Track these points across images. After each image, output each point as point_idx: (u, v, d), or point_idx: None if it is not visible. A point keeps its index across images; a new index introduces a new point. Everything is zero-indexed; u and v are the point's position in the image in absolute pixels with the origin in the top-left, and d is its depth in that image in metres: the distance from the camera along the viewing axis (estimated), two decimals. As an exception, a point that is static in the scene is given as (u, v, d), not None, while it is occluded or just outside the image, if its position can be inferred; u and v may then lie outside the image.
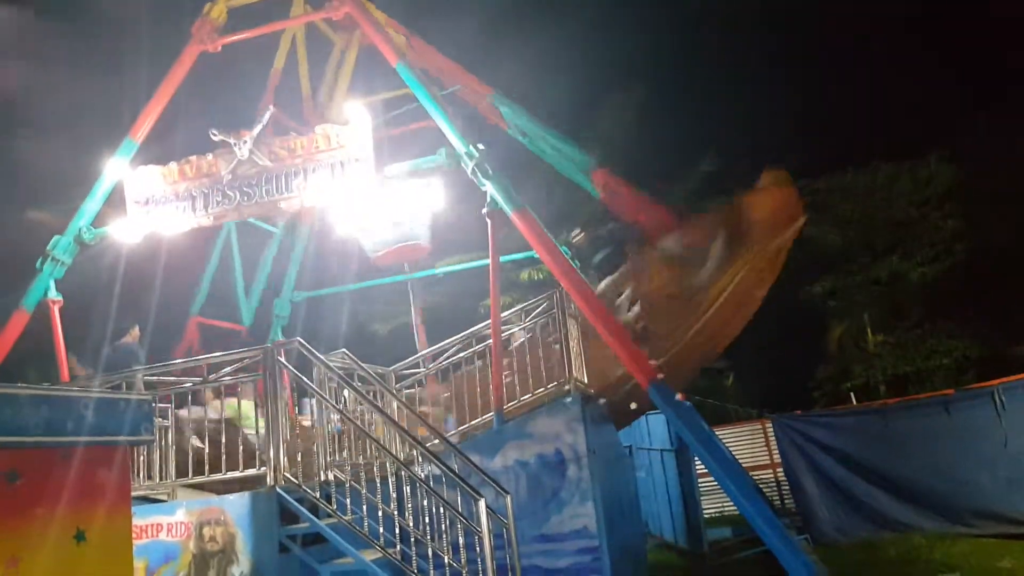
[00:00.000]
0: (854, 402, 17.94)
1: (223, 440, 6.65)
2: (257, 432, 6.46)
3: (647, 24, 25.11)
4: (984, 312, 19.27)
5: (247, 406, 7.97)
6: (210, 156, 9.54)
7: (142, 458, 6.66)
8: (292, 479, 6.09)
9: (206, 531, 5.80)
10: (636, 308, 9.85)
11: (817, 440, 12.32)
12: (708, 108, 24.90)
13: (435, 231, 11.19)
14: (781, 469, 14.53)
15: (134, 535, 4.51)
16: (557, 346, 8.93)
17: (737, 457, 15.60)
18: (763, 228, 8.91)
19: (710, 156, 19.95)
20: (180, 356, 11.40)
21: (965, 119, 20.98)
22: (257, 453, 6.34)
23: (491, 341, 8.76)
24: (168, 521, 5.93)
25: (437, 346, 9.49)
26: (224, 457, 6.42)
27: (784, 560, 6.37)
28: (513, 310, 9.80)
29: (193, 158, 9.65)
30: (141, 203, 9.62)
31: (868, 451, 11.92)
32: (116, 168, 10.15)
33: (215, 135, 9.55)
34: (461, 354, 9.38)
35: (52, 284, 9.96)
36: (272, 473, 6.03)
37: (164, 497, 6.53)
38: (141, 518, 5.86)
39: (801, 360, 23.01)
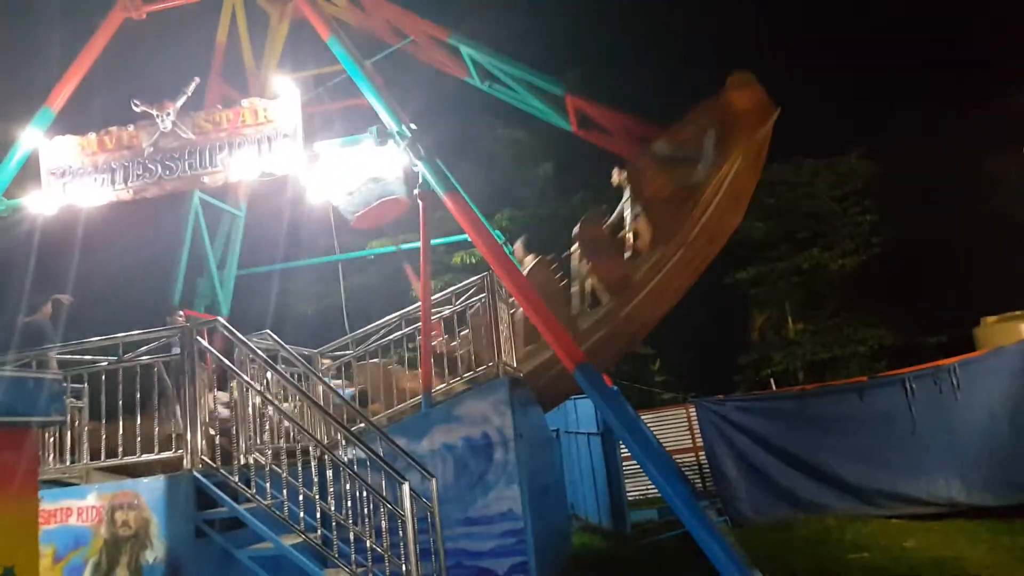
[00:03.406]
0: (773, 387, 18.56)
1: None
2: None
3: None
4: (898, 304, 20.18)
5: None
6: (131, 128, 9.18)
7: (52, 439, 6.39)
8: (210, 462, 5.94)
9: (119, 515, 5.60)
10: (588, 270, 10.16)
11: (738, 424, 12.65)
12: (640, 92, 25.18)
13: (340, 221, 10.87)
14: (703, 452, 14.91)
15: (41, 520, 4.34)
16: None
17: (661, 441, 15.97)
18: (748, 119, 9.29)
19: None
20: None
21: (884, 118, 21.87)
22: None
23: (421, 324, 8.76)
24: (78, 505, 5.70)
25: (365, 328, 9.39)
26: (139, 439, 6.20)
27: (701, 541, 6.56)
28: (444, 292, 9.78)
29: (113, 129, 9.26)
30: (57, 174, 9.18)
31: (786, 435, 12.28)
32: (31, 138, 9.66)
33: (137, 106, 9.18)
34: (391, 336, 9.33)
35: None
36: (189, 456, 5.87)
37: (77, 480, 6.30)
38: (50, 502, 5.62)
39: (725, 346, 23.70)
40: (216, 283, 12.87)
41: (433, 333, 9.55)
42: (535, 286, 9.88)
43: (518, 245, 11.38)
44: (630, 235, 10.28)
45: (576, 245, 10.48)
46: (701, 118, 9.74)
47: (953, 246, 19.43)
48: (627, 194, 10.46)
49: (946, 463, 11.19)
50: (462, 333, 9.31)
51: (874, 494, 11.57)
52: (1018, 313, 12.88)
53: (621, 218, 10.54)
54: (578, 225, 10.55)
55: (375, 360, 9.37)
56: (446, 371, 8.94)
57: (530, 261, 10.63)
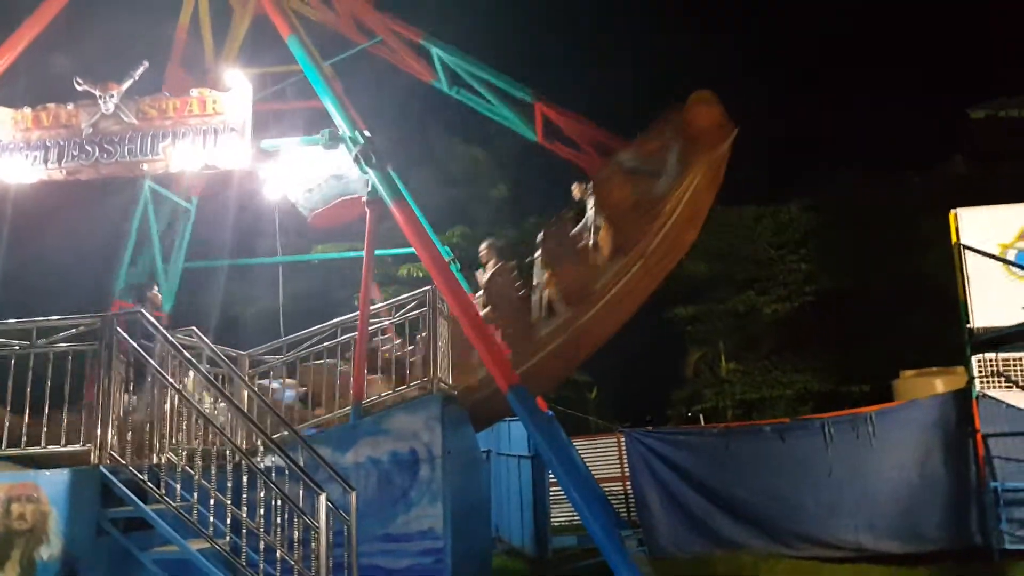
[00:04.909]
0: (703, 423, 18.83)
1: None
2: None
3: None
4: (826, 351, 20.80)
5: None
6: (70, 106, 8.87)
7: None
8: (119, 458, 5.70)
9: (15, 508, 5.31)
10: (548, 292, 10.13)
11: (663, 456, 12.75)
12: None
13: (284, 223, 10.62)
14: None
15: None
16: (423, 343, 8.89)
17: (592, 468, 16.05)
18: (709, 137, 9.47)
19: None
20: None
21: (827, 174, 22.68)
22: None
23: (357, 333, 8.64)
24: (-31, 496, 5.38)
25: (298, 334, 9.20)
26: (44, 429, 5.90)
27: (616, 569, 6.57)
28: (383, 304, 9.66)
29: (51, 106, 8.96)
30: (-17, 146, 8.79)
31: (709, 471, 12.42)
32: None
33: (79, 84, 8.90)
34: (325, 344, 9.16)
35: None
36: (97, 451, 5.62)
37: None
38: (-64, 491, 5.30)
39: (660, 380, 24.04)
40: (161, 277, 12.45)
41: (387, 335, 9.42)
42: (495, 291, 9.85)
43: (484, 246, 11.01)
44: (591, 245, 10.27)
45: (539, 252, 10.43)
46: (665, 132, 9.94)
47: (881, 301, 20.14)
48: (589, 206, 10.48)
49: (857, 508, 11.41)
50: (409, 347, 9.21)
51: (788, 534, 11.72)
52: (935, 369, 13.38)
53: (583, 229, 10.53)
54: (542, 232, 10.49)
55: (321, 361, 9.18)
56: (379, 384, 8.81)
57: (492, 266, 10.54)
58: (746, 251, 21.96)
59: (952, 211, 11.70)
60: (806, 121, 24.29)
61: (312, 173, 9.70)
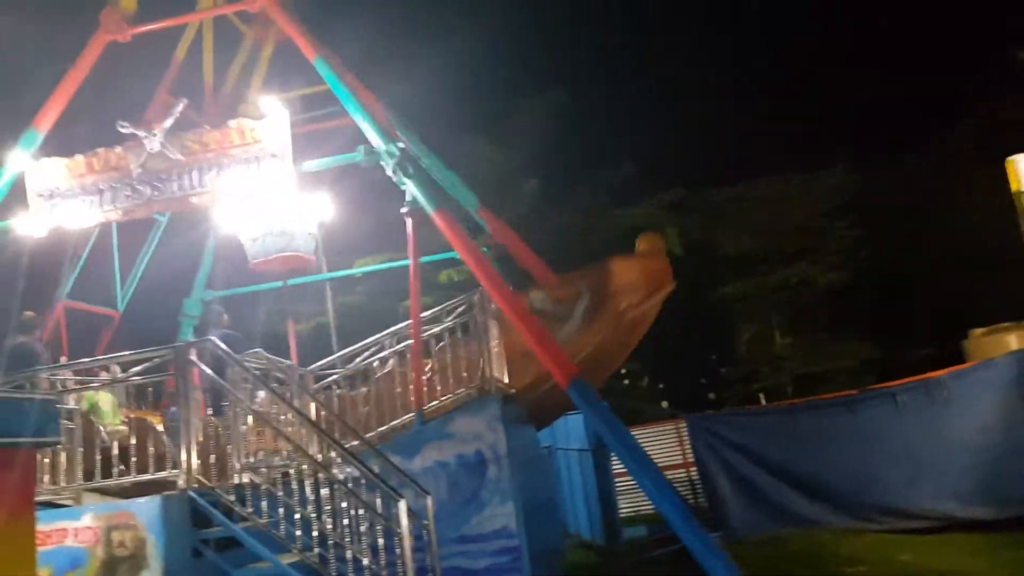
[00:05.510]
0: (763, 402, 18.56)
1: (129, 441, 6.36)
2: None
3: (559, 26, 25.56)
4: (884, 318, 20.31)
5: (103, 399, 7.89)
6: (118, 149, 9.17)
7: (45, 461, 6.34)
8: (205, 481, 5.92)
9: (115, 536, 5.60)
10: None
11: (729, 439, 12.59)
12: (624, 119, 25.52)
13: (327, 241, 10.73)
14: (693, 468, 14.84)
15: (37, 541, 4.30)
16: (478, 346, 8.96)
17: (651, 457, 15.94)
18: (628, 295, 9.15)
19: (621, 166, 20.62)
20: (46, 339, 10.66)
21: (872, 134, 22.15)
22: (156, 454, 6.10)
23: (411, 341, 8.76)
24: (74, 526, 5.73)
25: (354, 347, 9.37)
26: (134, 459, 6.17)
27: (700, 556, 6.55)
28: (434, 310, 9.77)
29: (101, 150, 9.27)
30: (45, 196, 9.16)
31: (778, 449, 12.20)
32: (17, 160, 9.63)
33: (124, 127, 9.19)
34: (381, 354, 9.30)
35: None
36: (184, 476, 5.85)
37: (69, 502, 6.26)
38: (45, 524, 5.62)
39: (712, 361, 23.80)
40: (116, 283, 12.77)
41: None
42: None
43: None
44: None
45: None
46: (583, 280, 9.59)
47: (937, 260, 19.61)
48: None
49: (939, 476, 11.04)
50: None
51: (867, 508, 11.40)
52: (1006, 325, 12.86)
53: None
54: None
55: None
56: (438, 389, 8.91)
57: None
58: (793, 222, 21.51)
59: (1008, 159, 11.19)
60: (840, 84, 23.68)
61: (258, 224, 9.98)
